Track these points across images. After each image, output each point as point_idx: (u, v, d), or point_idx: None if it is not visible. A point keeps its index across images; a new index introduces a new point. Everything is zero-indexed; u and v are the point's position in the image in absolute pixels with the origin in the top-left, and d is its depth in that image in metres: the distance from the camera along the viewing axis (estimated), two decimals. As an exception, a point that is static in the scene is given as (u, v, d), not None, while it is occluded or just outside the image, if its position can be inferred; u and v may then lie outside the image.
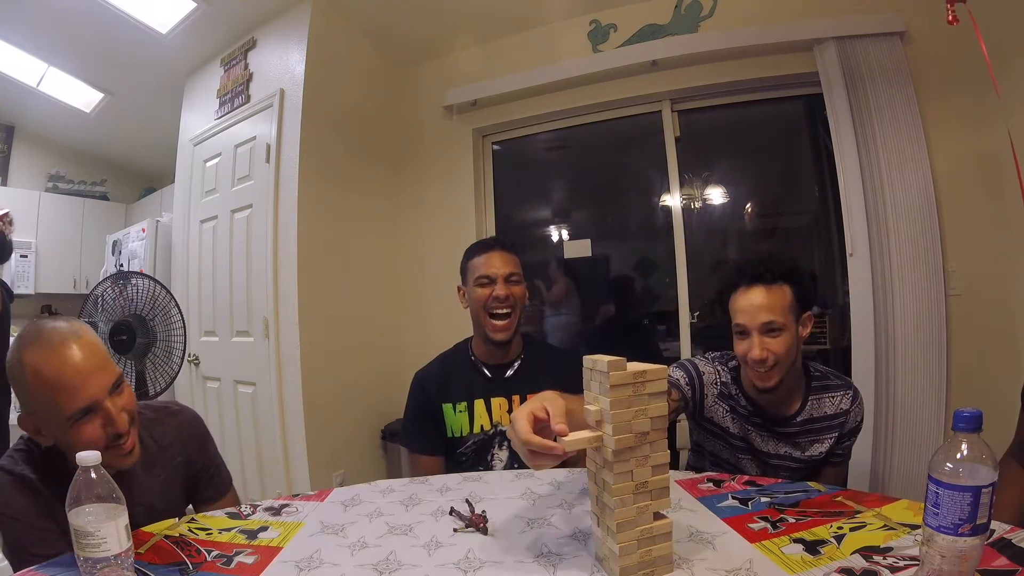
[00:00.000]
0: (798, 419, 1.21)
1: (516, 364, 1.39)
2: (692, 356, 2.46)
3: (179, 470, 1.05)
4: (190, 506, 1.10)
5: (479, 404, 1.34)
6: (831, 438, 1.22)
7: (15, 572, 0.82)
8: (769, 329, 1.11)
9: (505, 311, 1.32)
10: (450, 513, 0.87)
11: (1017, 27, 1.86)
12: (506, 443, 1.33)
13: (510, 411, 1.32)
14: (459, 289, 1.45)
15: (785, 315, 1.12)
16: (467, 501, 0.90)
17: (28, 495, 0.84)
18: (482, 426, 1.34)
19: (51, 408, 0.81)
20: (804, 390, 1.22)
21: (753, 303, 1.12)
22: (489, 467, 1.33)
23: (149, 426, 1.01)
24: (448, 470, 1.35)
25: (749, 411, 1.24)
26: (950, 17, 1.45)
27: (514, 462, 1.32)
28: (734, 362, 1.27)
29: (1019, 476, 0.96)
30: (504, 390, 1.35)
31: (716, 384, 1.26)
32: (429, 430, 1.36)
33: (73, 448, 0.80)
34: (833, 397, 1.22)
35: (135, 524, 0.87)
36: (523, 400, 1.31)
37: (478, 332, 1.40)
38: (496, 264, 1.35)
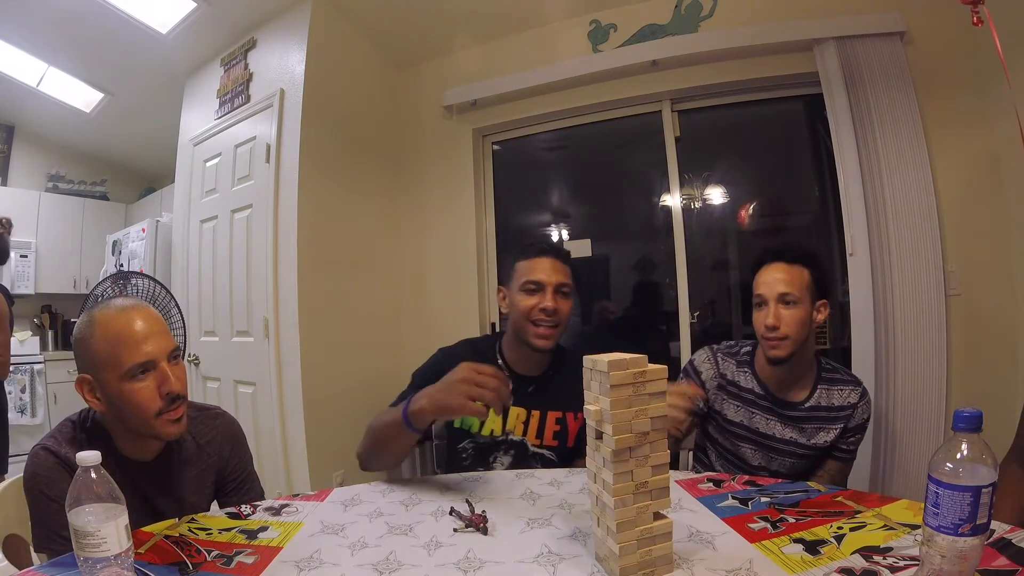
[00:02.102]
0: (806, 405, 1.28)
1: (542, 377, 1.30)
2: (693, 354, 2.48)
3: (211, 470, 1.07)
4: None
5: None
6: (836, 429, 1.27)
7: (36, 551, 0.87)
8: (785, 301, 1.20)
9: (551, 323, 1.23)
10: (450, 513, 0.87)
11: (1014, 32, 1.86)
12: (512, 451, 1.28)
13: (526, 422, 1.28)
14: (499, 290, 1.33)
15: (801, 291, 1.21)
16: (467, 501, 0.90)
17: (69, 479, 0.85)
18: (492, 431, 1.27)
19: (111, 362, 0.86)
20: (815, 379, 1.29)
21: (773, 276, 1.22)
22: (489, 470, 1.29)
23: (190, 424, 1.02)
24: (447, 467, 1.32)
25: (757, 395, 1.30)
26: (975, 20, 1.44)
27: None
28: (747, 348, 1.35)
29: (1020, 479, 0.96)
30: (525, 402, 1.28)
31: (715, 377, 1.34)
32: None
33: (126, 409, 0.88)
34: (842, 391, 1.28)
35: (164, 516, 0.95)
36: (542, 416, 1.27)
37: (514, 337, 1.30)
38: (547, 271, 1.23)
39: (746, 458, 1.34)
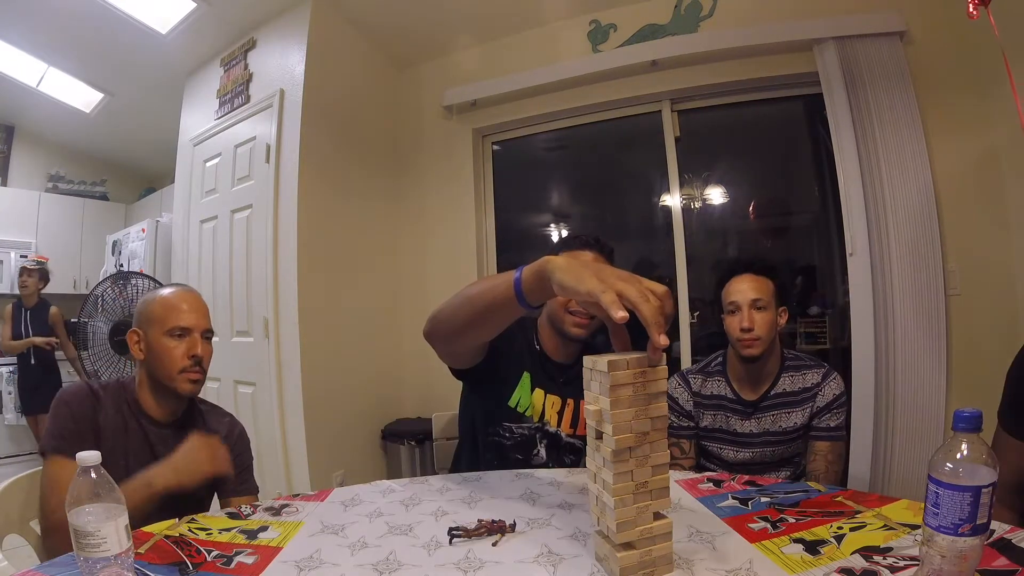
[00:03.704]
0: (772, 392, 1.39)
1: (577, 367, 1.23)
2: (692, 359, 2.50)
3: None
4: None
5: (539, 392, 1.27)
6: (805, 410, 1.37)
7: (39, 448, 1.02)
8: (756, 306, 1.34)
9: (589, 313, 1.21)
10: (449, 534, 0.79)
11: (1012, 33, 1.86)
12: (545, 441, 1.27)
13: (560, 412, 1.28)
14: None
15: (769, 298, 1.35)
16: (452, 532, 0.80)
17: (90, 402, 1.05)
18: (532, 416, 1.26)
19: (160, 320, 1.10)
20: (779, 370, 1.41)
21: (745, 285, 1.37)
22: (529, 463, 1.26)
23: (203, 412, 1.20)
24: (484, 448, 1.27)
25: (729, 399, 1.42)
26: (971, 11, 1.45)
27: (550, 462, 1.27)
28: (718, 359, 1.48)
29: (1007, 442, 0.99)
30: (560, 390, 1.29)
31: (690, 398, 1.46)
32: (506, 343, 1.18)
33: (158, 360, 1.09)
34: (804, 375, 1.39)
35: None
36: (576, 406, 1.27)
37: (548, 323, 1.31)
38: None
39: (728, 459, 1.43)
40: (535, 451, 1.27)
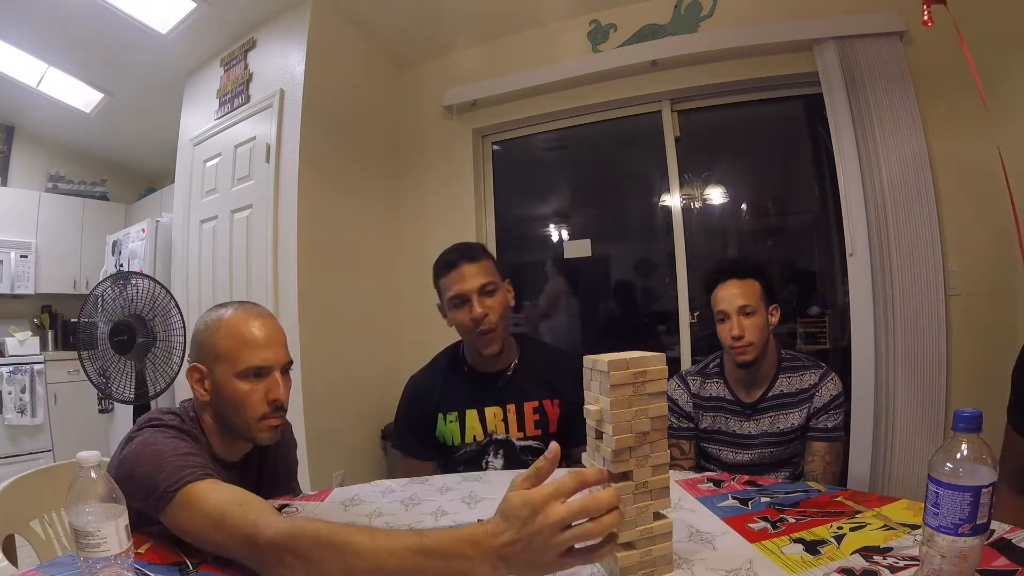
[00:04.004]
0: (769, 394, 1.38)
1: (510, 371, 1.32)
2: (692, 359, 2.49)
3: (277, 466, 1.10)
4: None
5: (471, 415, 1.30)
6: (801, 411, 1.37)
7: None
8: (745, 312, 1.33)
9: (488, 328, 1.24)
10: None
11: (1011, 34, 1.86)
12: (501, 451, 1.29)
13: (504, 419, 1.29)
14: (439, 307, 1.35)
15: (757, 301, 1.34)
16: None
17: (178, 435, 0.85)
18: (475, 436, 1.29)
19: (230, 358, 0.90)
20: (776, 371, 1.40)
21: (731, 292, 1.35)
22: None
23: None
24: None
25: (728, 400, 1.42)
26: (926, 17, 1.48)
27: (509, 468, 1.29)
28: (716, 361, 1.47)
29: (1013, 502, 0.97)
30: (497, 399, 1.30)
31: (690, 400, 1.46)
32: (421, 435, 1.33)
33: (231, 405, 0.90)
34: (802, 376, 1.38)
35: None
36: (518, 409, 1.28)
37: (469, 344, 1.34)
38: (466, 279, 1.23)
39: (727, 460, 1.43)
40: (484, 461, 1.30)
